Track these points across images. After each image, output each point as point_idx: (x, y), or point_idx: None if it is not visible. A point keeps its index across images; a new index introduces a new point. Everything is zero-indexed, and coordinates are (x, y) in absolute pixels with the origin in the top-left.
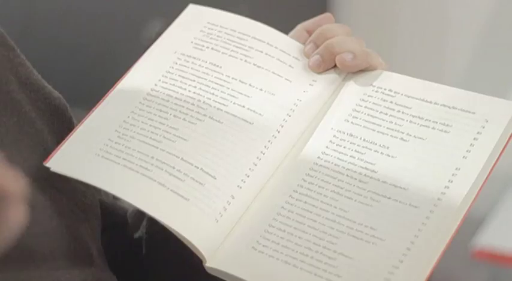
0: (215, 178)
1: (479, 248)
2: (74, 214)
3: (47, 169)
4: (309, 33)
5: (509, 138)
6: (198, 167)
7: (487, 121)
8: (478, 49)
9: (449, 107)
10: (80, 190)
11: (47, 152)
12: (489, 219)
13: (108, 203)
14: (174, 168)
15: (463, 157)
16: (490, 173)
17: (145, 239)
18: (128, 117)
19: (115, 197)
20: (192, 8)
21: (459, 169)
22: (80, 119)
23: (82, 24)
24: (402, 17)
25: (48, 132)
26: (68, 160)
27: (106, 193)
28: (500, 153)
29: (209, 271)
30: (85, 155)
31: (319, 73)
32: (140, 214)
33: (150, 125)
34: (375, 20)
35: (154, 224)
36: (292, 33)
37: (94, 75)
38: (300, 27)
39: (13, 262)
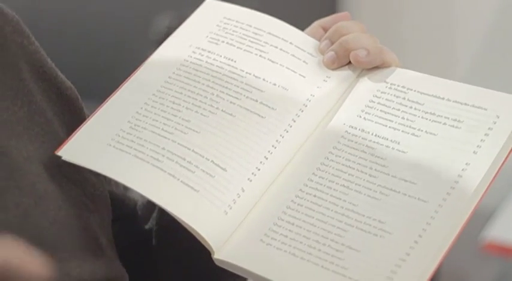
0: (225, 170)
1: (488, 241)
2: (84, 204)
3: (58, 158)
4: (325, 30)
5: None
6: (208, 159)
7: (498, 117)
8: (487, 46)
9: (461, 103)
10: (91, 181)
11: (58, 142)
12: (499, 212)
13: (118, 194)
14: (184, 159)
15: (474, 152)
16: (500, 168)
17: (155, 231)
18: (141, 108)
19: (125, 188)
20: (209, 2)
21: (469, 164)
22: (91, 112)
23: (92, 19)
24: (410, 14)
25: (59, 122)
26: (80, 149)
27: (116, 184)
28: (511, 149)
29: (217, 263)
30: (97, 145)
31: (334, 69)
32: (150, 206)
33: (163, 117)
34: (383, 16)
35: (164, 216)
36: (308, 29)
37: (104, 69)
38: (316, 24)
39: None
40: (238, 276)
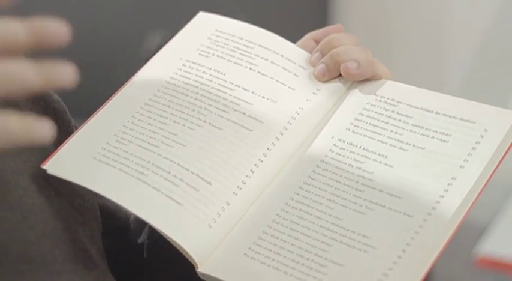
0: (210, 184)
1: (482, 255)
2: (72, 217)
3: (45, 171)
4: (317, 42)
5: (508, 148)
6: (193, 173)
7: (486, 131)
8: (478, 58)
9: (449, 117)
10: (79, 193)
11: (45, 155)
12: (492, 227)
13: (110, 208)
14: (169, 173)
15: (460, 166)
16: (487, 182)
17: (146, 244)
18: (128, 122)
19: None
20: (201, 15)
21: (455, 179)
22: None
23: (83, 36)
24: (401, 25)
25: None
26: (65, 162)
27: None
28: (499, 162)
29: (201, 277)
30: (82, 158)
31: (324, 82)
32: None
33: (149, 130)
34: (375, 27)
35: (156, 231)
36: (300, 42)
37: (94, 86)
38: (308, 37)
39: (10, 267)
40: None
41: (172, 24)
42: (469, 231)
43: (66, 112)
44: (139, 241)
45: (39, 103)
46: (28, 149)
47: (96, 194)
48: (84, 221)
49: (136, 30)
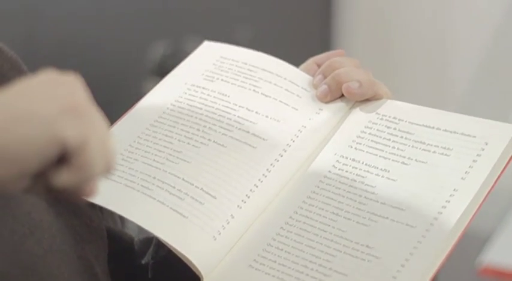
0: (215, 198)
1: (485, 265)
2: (79, 235)
3: None
4: (319, 66)
5: (509, 160)
6: (198, 187)
7: (486, 144)
8: (483, 74)
9: (450, 132)
10: (87, 213)
11: None
12: (495, 236)
13: (115, 231)
14: (174, 187)
15: (461, 178)
16: (488, 193)
17: (151, 264)
18: (134, 141)
19: (122, 225)
20: (206, 44)
21: (457, 190)
22: None
23: (89, 47)
24: (404, 35)
25: None
26: None
27: (114, 221)
28: (500, 174)
29: None
30: None
31: (327, 103)
32: (147, 241)
33: (155, 149)
34: (377, 45)
35: (160, 250)
36: (303, 66)
37: (101, 96)
38: (311, 61)
39: (17, 279)
40: None
41: (175, 35)
42: (473, 240)
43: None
44: (144, 261)
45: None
46: None
47: (104, 218)
48: (90, 240)
49: (140, 41)
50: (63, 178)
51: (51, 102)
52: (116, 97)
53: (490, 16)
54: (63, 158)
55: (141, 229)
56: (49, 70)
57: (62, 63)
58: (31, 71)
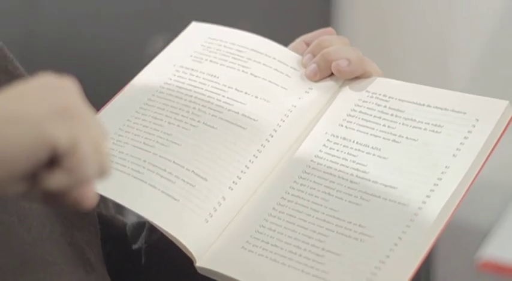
0: (206, 180)
1: (485, 259)
2: (69, 222)
3: None
4: (308, 45)
5: (500, 136)
6: (189, 170)
7: (477, 120)
8: (482, 62)
9: (441, 109)
10: None
11: None
12: (495, 230)
13: (107, 217)
14: (165, 170)
15: (453, 155)
16: (480, 170)
17: (144, 249)
18: (123, 125)
19: (116, 210)
20: (194, 25)
21: (449, 167)
22: None
23: (86, 43)
24: (404, 28)
25: None
26: None
27: (106, 206)
28: (492, 150)
29: (199, 271)
30: None
31: (316, 81)
32: (139, 226)
33: (144, 132)
34: (377, 33)
35: (153, 234)
36: (291, 45)
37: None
38: (300, 40)
39: (9, 268)
40: None
41: (174, 29)
42: (472, 235)
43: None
44: (136, 246)
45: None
46: None
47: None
48: (81, 226)
49: (138, 35)
50: (55, 180)
51: (42, 103)
52: (113, 92)
53: (490, 12)
54: (55, 161)
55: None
56: (46, 73)
57: (60, 58)
58: (27, 65)
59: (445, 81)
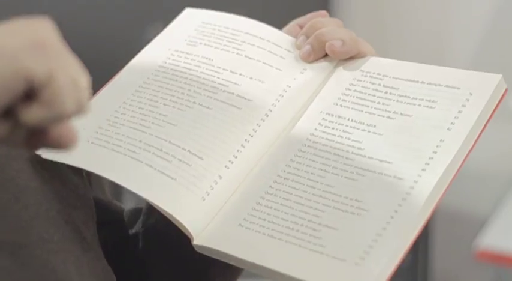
0: (202, 159)
1: (482, 248)
2: (65, 200)
3: (39, 156)
4: (302, 28)
5: (494, 109)
6: (185, 149)
7: (471, 94)
8: (478, 53)
9: (435, 85)
10: (73, 181)
11: None
12: (492, 220)
13: (104, 201)
14: (161, 150)
15: (448, 129)
16: (474, 143)
17: (142, 233)
18: (119, 107)
19: (112, 195)
20: (188, 11)
21: (443, 141)
22: None
23: (82, 30)
24: (401, 24)
25: None
26: None
27: (102, 191)
28: (486, 123)
29: (197, 249)
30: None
31: (310, 62)
32: (136, 212)
33: (140, 113)
34: (375, 23)
35: (150, 217)
36: (285, 28)
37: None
38: (293, 23)
39: (6, 244)
40: (226, 274)
41: (170, 17)
42: (469, 224)
43: None
44: (133, 231)
45: None
46: None
47: (91, 188)
48: (77, 206)
49: (133, 23)
50: (32, 114)
51: (18, 37)
52: (109, 79)
53: (486, 11)
54: (32, 95)
55: (139, 200)
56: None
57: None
58: None
59: None
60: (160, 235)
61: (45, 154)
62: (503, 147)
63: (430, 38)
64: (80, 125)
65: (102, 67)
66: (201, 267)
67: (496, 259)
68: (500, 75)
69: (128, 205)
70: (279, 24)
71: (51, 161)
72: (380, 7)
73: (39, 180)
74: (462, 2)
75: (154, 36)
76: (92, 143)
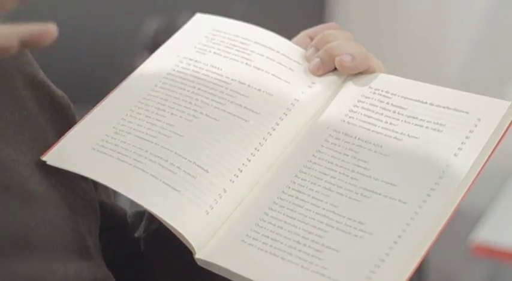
0: (207, 172)
1: (477, 243)
2: (72, 207)
3: (46, 163)
4: (312, 39)
5: (502, 136)
6: (191, 161)
7: (479, 120)
8: (475, 54)
9: (443, 107)
10: (80, 187)
11: (47, 148)
12: (488, 214)
13: (108, 204)
14: (167, 161)
15: (454, 154)
16: (481, 170)
17: (143, 238)
18: (126, 115)
19: (116, 199)
20: (198, 16)
21: (449, 166)
22: (83, 116)
23: (82, 23)
24: (398, 22)
25: (50, 129)
26: (64, 154)
27: (107, 195)
28: (493, 150)
29: (199, 263)
30: (81, 150)
31: (319, 76)
32: (139, 215)
33: (147, 122)
34: (372, 22)
35: (152, 223)
36: (295, 39)
37: (95, 71)
38: (303, 34)
39: (6, 250)
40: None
41: (169, 10)
42: (465, 218)
43: (71, 107)
44: (136, 235)
45: (45, 98)
46: (30, 142)
47: (97, 192)
48: (84, 213)
49: (134, 16)
50: None
51: None
52: (109, 72)
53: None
54: None
55: (132, 203)
56: None
57: (59, 40)
58: None
59: (437, 82)
60: (162, 241)
61: (51, 161)
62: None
63: (425, 41)
64: (85, 132)
65: (105, 58)
66: (201, 277)
67: (492, 254)
68: (510, 102)
69: (129, 206)
70: (275, 24)
71: (58, 169)
72: (376, 10)
73: (46, 186)
74: (457, 5)
75: (151, 30)
76: (97, 150)
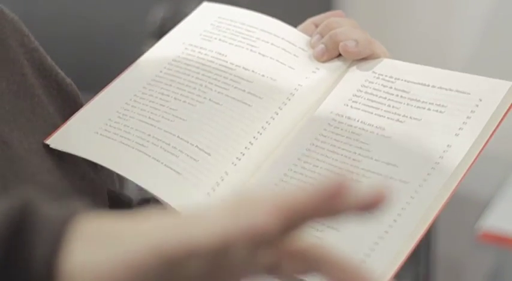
0: (209, 155)
1: (484, 230)
2: (82, 189)
3: (58, 152)
4: (317, 26)
5: (503, 117)
6: (193, 144)
7: (480, 100)
8: (482, 44)
9: (445, 89)
10: (90, 175)
11: None
12: (495, 201)
13: (114, 193)
14: (169, 145)
15: (455, 134)
16: (481, 149)
17: None
18: (130, 99)
19: (121, 187)
20: (205, 5)
21: (450, 146)
22: None
23: (89, 10)
24: (404, 15)
25: (59, 116)
26: (68, 137)
27: (112, 183)
28: (494, 130)
29: None
30: (84, 133)
31: (324, 62)
32: (144, 202)
33: (151, 107)
34: (377, 16)
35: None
36: (301, 26)
37: (102, 59)
38: (309, 21)
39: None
40: None
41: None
42: (472, 205)
43: (79, 95)
44: None
45: (52, 87)
46: (42, 128)
47: (105, 181)
48: (92, 193)
49: (140, 3)
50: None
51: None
52: (116, 59)
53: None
54: None
55: (140, 191)
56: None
57: (62, 27)
58: (37, 32)
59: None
60: None
61: (54, 144)
62: (505, 129)
63: (430, 36)
64: (89, 116)
65: (112, 46)
66: None
67: (499, 241)
68: (511, 83)
69: (136, 193)
70: (282, 13)
71: (69, 155)
72: (382, 6)
73: (57, 176)
74: (463, 3)
75: (158, 17)
76: (100, 134)
